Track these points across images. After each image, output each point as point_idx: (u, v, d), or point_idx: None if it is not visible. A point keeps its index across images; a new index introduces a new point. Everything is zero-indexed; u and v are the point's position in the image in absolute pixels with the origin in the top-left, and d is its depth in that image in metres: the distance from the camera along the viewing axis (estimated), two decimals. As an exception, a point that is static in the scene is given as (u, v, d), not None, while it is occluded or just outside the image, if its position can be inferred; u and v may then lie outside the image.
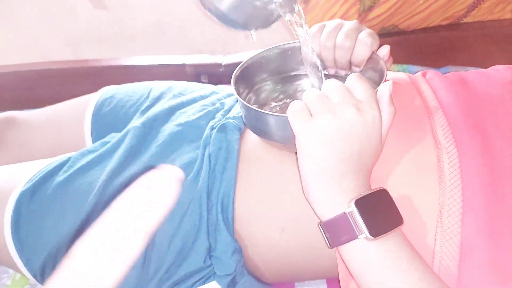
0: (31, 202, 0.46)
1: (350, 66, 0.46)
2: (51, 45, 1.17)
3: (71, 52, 1.19)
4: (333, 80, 0.36)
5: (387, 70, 0.42)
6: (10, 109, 0.72)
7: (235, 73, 0.44)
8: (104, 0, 1.10)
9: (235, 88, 0.43)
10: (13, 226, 0.46)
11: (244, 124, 0.48)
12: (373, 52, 0.44)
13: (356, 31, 0.44)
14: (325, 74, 0.48)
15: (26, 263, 0.46)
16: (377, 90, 0.37)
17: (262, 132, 0.41)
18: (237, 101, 0.44)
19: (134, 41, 1.17)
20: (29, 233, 0.45)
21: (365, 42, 0.43)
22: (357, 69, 0.45)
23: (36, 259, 0.45)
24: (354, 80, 0.36)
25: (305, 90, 0.47)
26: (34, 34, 1.15)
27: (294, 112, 0.35)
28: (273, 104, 0.47)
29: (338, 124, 0.34)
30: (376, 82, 0.43)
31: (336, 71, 0.48)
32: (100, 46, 1.17)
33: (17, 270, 0.48)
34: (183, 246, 0.44)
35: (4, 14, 1.12)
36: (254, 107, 0.39)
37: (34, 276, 0.47)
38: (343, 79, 0.39)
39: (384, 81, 0.39)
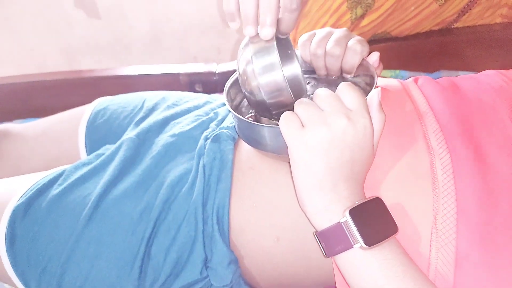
0: (26, 217, 0.46)
1: (341, 72, 0.46)
2: (46, 55, 1.17)
3: (66, 63, 1.19)
4: (323, 89, 0.37)
5: (377, 77, 0.42)
6: (5, 121, 0.71)
7: (227, 85, 0.44)
8: (97, 10, 1.10)
9: (227, 100, 0.43)
10: (8, 241, 0.45)
11: (238, 135, 0.48)
12: (363, 59, 0.44)
13: (345, 38, 0.44)
14: (316, 78, 0.48)
15: (21, 278, 0.46)
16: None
17: (255, 142, 0.42)
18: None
19: (129, 50, 1.17)
20: (23, 248, 0.45)
21: (354, 49, 0.43)
22: (348, 76, 0.46)
23: (31, 274, 0.45)
24: (344, 89, 0.36)
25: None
26: (29, 45, 1.16)
27: (286, 123, 0.35)
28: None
29: (330, 134, 0.34)
30: (367, 89, 0.44)
31: (326, 79, 0.48)
32: (96, 56, 1.18)
33: (12, 285, 0.48)
34: (179, 257, 0.44)
35: (-1, 25, 1.12)
36: (246, 118, 0.40)
37: (30, 291, 0.46)
38: (334, 84, 0.39)
39: (375, 88, 0.40)
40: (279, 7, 0.36)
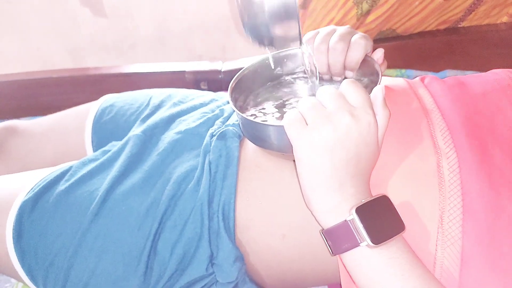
0: (33, 212, 0.46)
1: (344, 71, 0.46)
2: (52, 53, 1.18)
3: (71, 60, 1.19)
4: (327, 87, 0.37)
5: (381, 74, 0.42)
6: (12, 118, 0.72)
7: (231, 85, 0.45)
8: (103, 8, 1.11)
9: (232, 99, 0.43)
10: (15, 236, 0.46)
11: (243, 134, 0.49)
12: (367, 55, 0.44)
13: (349, 34, 0.44)
14: (320, 79, 0.48)
15: (28, 273, 0.46)
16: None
17: (260, 141, 0.42)
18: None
19: (134, 48, 1.18)
20: (31, 242, 0.46)
21: (358, 43, 0.43)
22: (351, 74, 0.45)
23: (38, 268, 0.45)
24: (348, 86, 0.36)
25: (302, 96, 0.47)
26: (35, 43, 1.16)
27: (290, 121, 0.35)
28: (271, 112, 0.47)
29: (334, 132, 0.34)
30: (371, 86, 0.44)
31: (330, 77, 0.48)
32: (101, 54, 1.18)
33: (19, 279, 0.49)
34: (185, 254, 0.44)
35: (6, 23, 1.13)
36: (250, 118, 0.40)
37: (37, 286, 0.47)
38: (338, 83, 0.39)
39: (379, 85, 0.40)
40: None
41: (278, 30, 0.36)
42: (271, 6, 0.34)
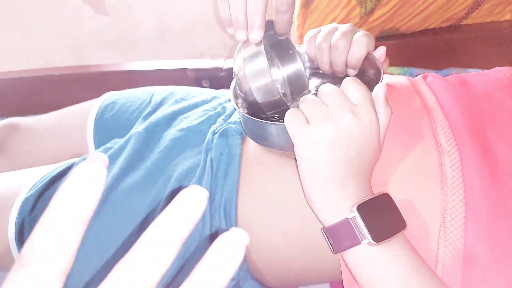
0: (35, 209, 0.46)
1: (346, 69, 0.46)
2: (54, 50, 1.18)
3: (73, 58, 1.19)
4: (328, 85, 0.36)
5: (383, 71, 0.42)
6: (14, 115, 0.72)
7: (233, 83, 0.44)
8: (105, 5, 1.11)
9: (233, 97, 0.43)
10: (17, 232, 0.46)
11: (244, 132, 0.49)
12: (369, 53, 0.44)
13: (351, 32, 0.44)
14: (322, 77, 0.48)
15: (31, 270, 0.46)
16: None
17: (261, 140, 0.42)
18: None
19: (136, 46, 1.18)
20: None
21: (360, 41, 0.42)
22: (353, 72, 0.45)
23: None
24: (349, 84, 0.36)
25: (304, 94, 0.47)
26: (37, 40, 1.16)
27: (292, 120, 0.35)
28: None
29: (335, 130, 0.34)
30: (373, 84, 0.44)
31: (332, 74, 0.48)
32: (102, 52, 1.18)
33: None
34: (186, 250, 0.44)
35: (7, 20, 1.13)
36: (251, 116, 0.40)
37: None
38: (340, 81, 0.39)
39: (381, 82, 0.40)
40: (266, 10, 0.38)
41: (267, 104, 0.40)
42: (257, 92, 0.39)
